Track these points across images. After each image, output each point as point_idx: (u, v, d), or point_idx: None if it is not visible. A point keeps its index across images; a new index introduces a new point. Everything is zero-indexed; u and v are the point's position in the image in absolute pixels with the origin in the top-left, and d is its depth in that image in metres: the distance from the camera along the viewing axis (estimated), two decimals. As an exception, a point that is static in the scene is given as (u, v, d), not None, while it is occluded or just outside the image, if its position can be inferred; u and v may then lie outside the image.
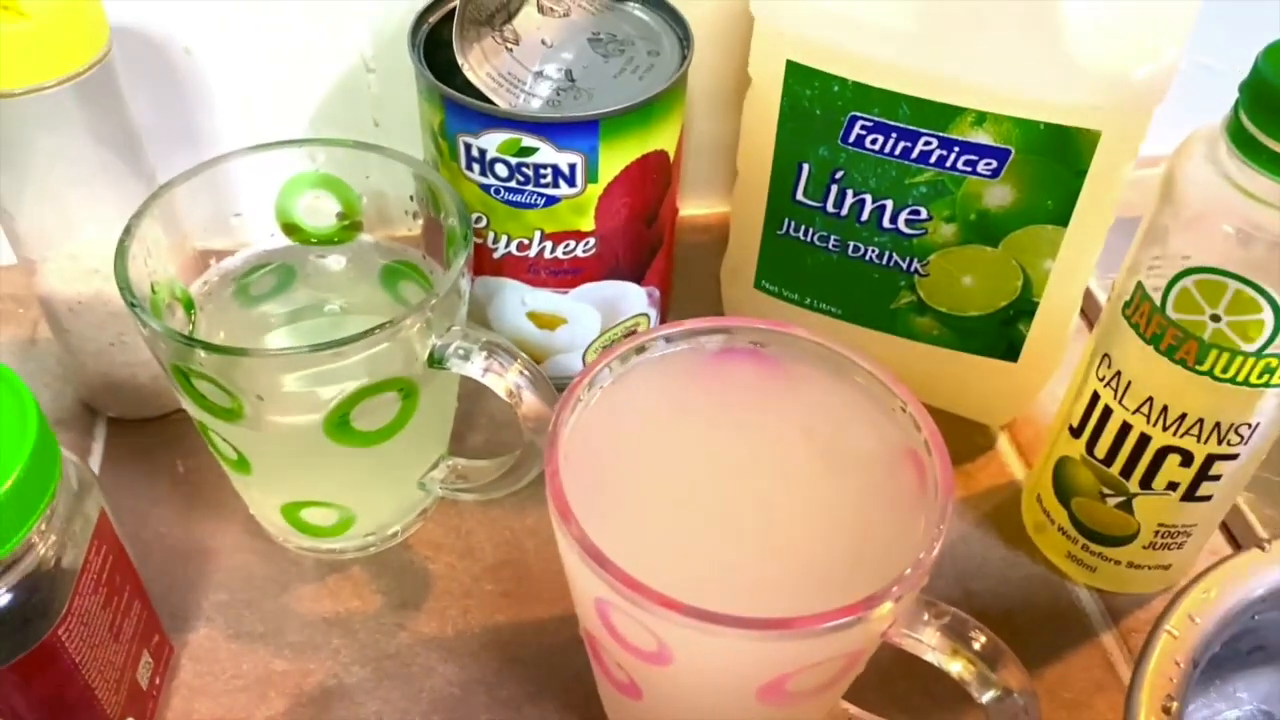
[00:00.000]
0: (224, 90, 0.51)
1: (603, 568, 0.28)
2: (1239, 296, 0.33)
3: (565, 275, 0.45)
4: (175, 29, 0.48)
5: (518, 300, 0.46)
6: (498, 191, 0.42)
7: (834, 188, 0.43)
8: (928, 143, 0.41)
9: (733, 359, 0.35)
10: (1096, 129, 0.38)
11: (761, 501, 0.32)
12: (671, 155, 0.44)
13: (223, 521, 0.44)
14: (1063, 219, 0.41)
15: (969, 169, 0.41)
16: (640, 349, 0.34)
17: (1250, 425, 0.36)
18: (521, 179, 0.41)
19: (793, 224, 0.46)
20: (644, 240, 0.45)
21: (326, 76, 0.51)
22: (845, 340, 0.34)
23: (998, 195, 0.41)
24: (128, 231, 0.37)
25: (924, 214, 0.43)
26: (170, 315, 0.39)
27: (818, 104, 0.42)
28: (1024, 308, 0.44)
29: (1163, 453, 0.38)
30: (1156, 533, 0.40)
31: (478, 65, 0.41)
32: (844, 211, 0.44)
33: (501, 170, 0.41)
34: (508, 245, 0.44)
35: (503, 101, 0.40)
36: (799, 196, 0.45)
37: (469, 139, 0.41)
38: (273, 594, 0.42)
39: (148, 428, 0.47)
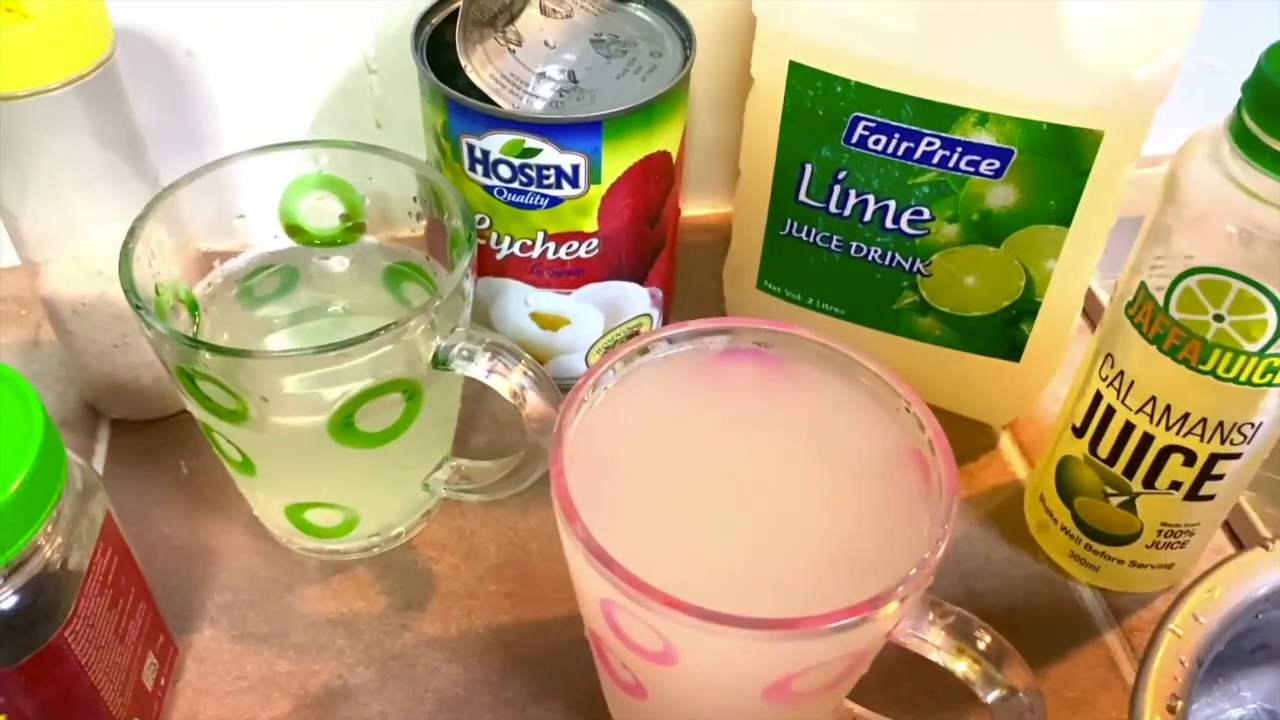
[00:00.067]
0: (226, 91, 0.51)
1: (608, 568, 0.28)
2: (1242, 296, 0.33)
3: (568, 276, 0.45)
4: (178, 31, 0.49)
5: (521, 301, 0.46)
6: (501, 193, 0.42)
7: (836, 188, 0.44)
8: (930, 143, 0.41)
9: (736, 359, 0.35)
10: (1099, 129, 0.38)
11: (766, 502, 0.32)
12: (674, 156, 0.44)
13: (227, 523, 0.44)
14: (1065, 219, 0.41)
15: (971, 169, 0.41)
16: (644, 350, 0.34)
17: (1253, 425, 0.36)
18: (524, 180, 0.41)
19: (795, 224, 0.46)
20: (647, 241, 0.45)
21: (328, 78, 0.51)
22: (848, 341, 0.34)
23: (1000, 195, 0.41)
24: (132, 233, 0.37)
25: (926, 214, 0.43)
26: (174, 317, 0.39)
27: (820, 104, 0.42)
28: (1026, 308, 0.44)
29: (1166, 452, 0.38)
30: (1159, 532, 0.40)
31: (481, 67, 0.41)
32: (846, 212, 0.44)
33: (504, 171, 0.41)
34: (511, 246, 0.44)
35: (506, 103, 0.41)
36: (801, 197, 0.45)
37: (472, 140, 0.41)
38: (277, 595, 0.42)
39: (151, 429, 0.47)
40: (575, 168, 0.41)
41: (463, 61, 0.41)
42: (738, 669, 0.30)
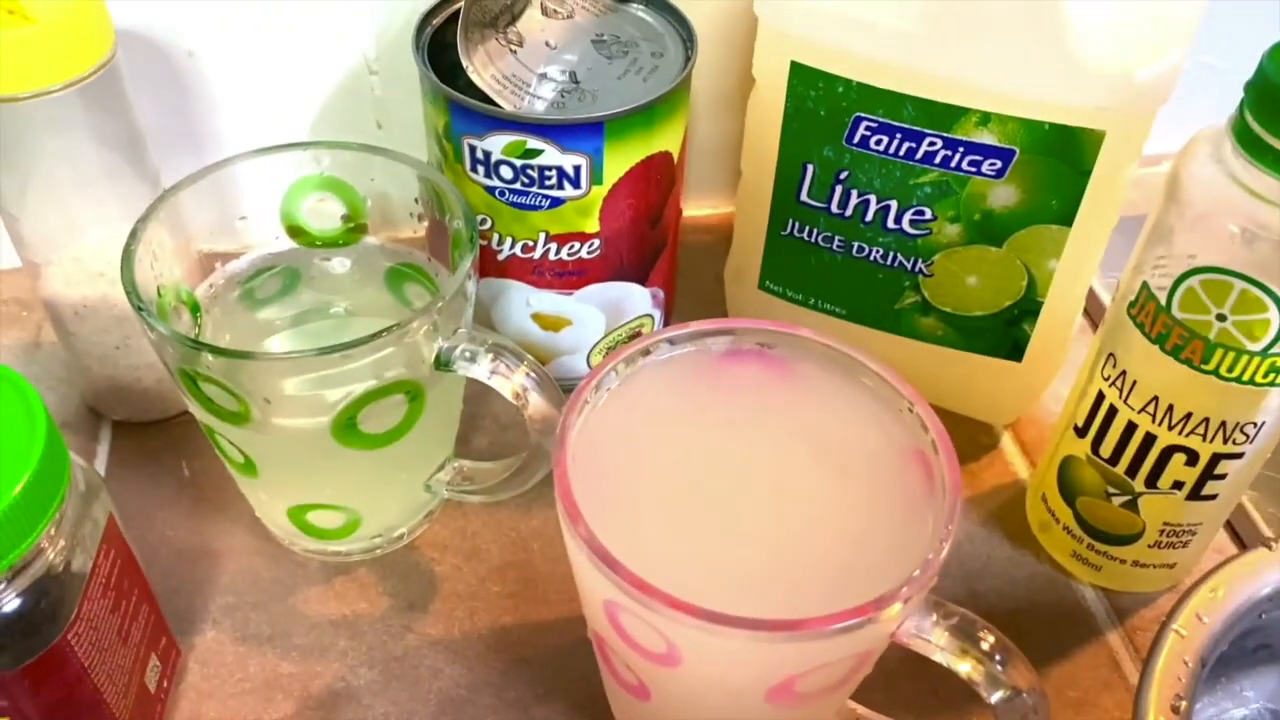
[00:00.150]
0: (227, 92, 0.51)
1: (612, 569, 0.28)
2: (1244, 296, 0.33)
3: (570, 277, 0.45)
4: (179, 32, 0.49)
5: (522, 302, 0.46)
6: (502, 194, 0.42)
7: (838, 188, 0.44)
8: (932, 143, 0.41)
9: (739, 360, 0.35)
10: (1101, 129, 0.38)
11: (769, 502, 0.32)
12: (676, 156, 0.44)
13: (229, 524, 0.44)
14: (1067, 219, 0.41)
15: (973, 169, 0.41)
16: (646, 351, 0.34)
17: (1255, 424, 0.36)
18: (526, 181, 0.41)
19: (797, 225, 0.46)
20: (648, 241, 0.45)
21: (329, 79, 0.51)
22: (850, 341, 0.34)
23: (1002, 195, 0.41)
24: (134, 235, 0.37)
25: (928, 214, 0.43)
26: (176, 319, 0.39)
27: (822, 105, 0.42)
28: (1028, 307, 0.44)
29: (1168, 452, 0.38)
30: (1162, 532, 0.40)
31: (482, 68, 0.41)
32: (848, 212, 0.44)
33: (506, 172, 0.41)
34: (512, 247, 0.44)
35: (507, 104, 0.41)
36: (803, 197, 0.45)
37: (474, 141, 0.41)
38: (279, 596, 0.42)
39: (153, 431, 0.47)
40: (577, 168, 0.41)
41: (464, 62, 0.41)
42: (741, 670, 0.30)
